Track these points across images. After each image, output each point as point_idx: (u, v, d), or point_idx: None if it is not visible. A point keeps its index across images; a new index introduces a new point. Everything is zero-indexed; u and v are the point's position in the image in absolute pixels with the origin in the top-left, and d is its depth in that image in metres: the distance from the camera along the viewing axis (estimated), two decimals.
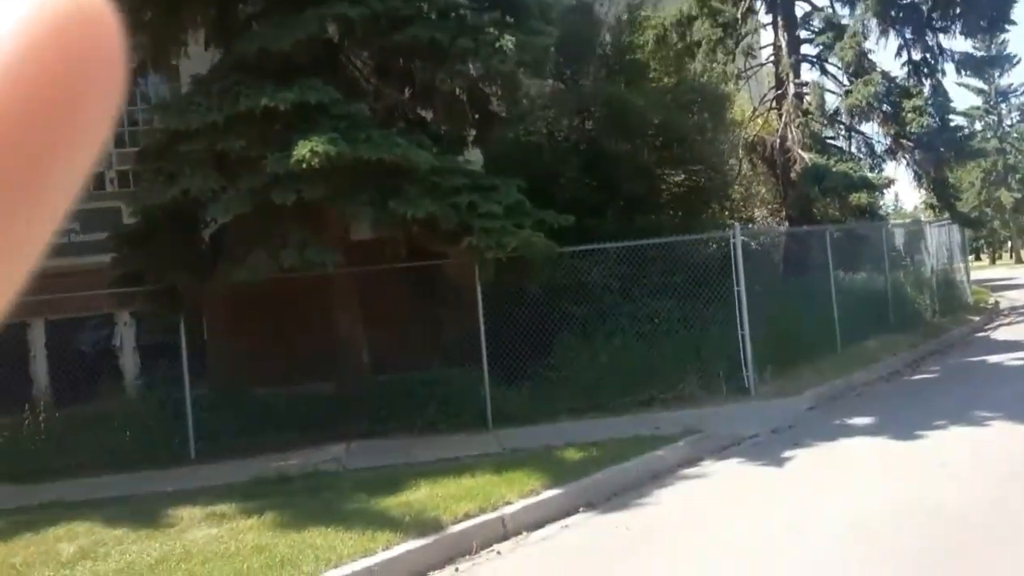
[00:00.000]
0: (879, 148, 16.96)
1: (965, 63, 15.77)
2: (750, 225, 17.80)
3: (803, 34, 17.35)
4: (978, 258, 63.03)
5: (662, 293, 11.10)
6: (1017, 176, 55.89)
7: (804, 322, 11.73)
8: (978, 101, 58.43)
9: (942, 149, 15.82)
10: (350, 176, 8.22)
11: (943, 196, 16.79)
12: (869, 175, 14.49)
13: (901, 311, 14.74)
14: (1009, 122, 58.33)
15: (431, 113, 9.94)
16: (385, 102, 9.18)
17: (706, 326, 10.57)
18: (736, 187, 17.83)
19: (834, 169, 14.40)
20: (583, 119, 11.66)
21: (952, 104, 15.66)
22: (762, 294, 11.18)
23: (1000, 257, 60.42)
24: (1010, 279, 31.85)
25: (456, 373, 10.04)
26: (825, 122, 15.73)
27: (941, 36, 15.70)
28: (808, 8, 17.16)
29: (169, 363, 10.17)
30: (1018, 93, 57.65)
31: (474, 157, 11.87)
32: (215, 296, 9.55)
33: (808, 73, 17.63)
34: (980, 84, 58.23)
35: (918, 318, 15.38)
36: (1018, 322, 16.73)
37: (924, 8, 15.15)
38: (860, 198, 14.42)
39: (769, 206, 17.35)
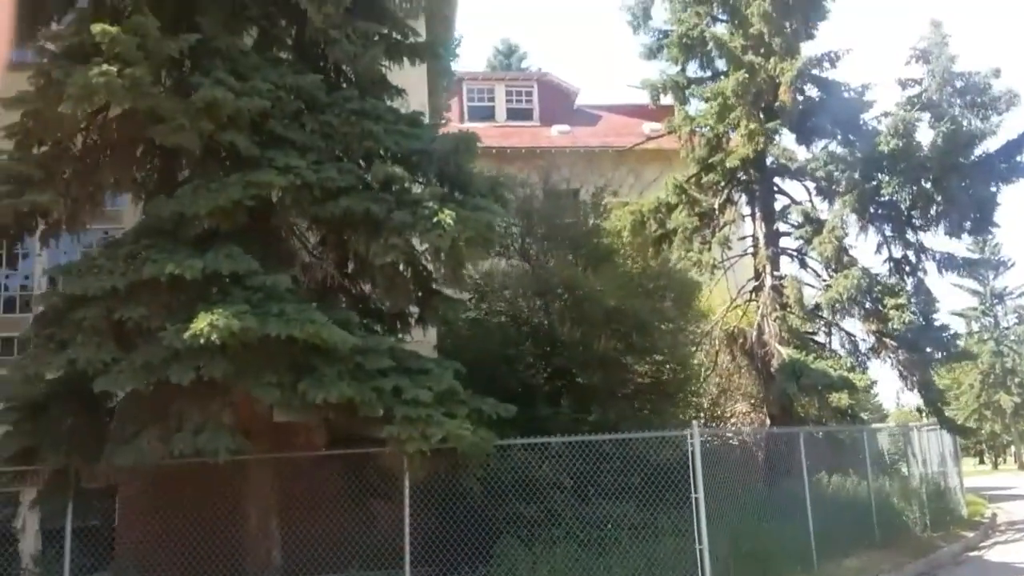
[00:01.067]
0: (863, 346, 16.31)
1: (947, 263, 15.37)
2: (730, 422, 16.93)
3: (783, 227, 17.15)
4: (981, 462, 61.12)
5: (620, 495, 10.10)
6: (1016, 379, 55.15)
7: (776, 534, 10.59)
8: (974, 302, 58.80)
9: (928, 349, 15.16)
10: (258, 354, 7.48)
11: (930, 399, 15.95)
12: (849, 375, 13.71)
13: (886, 523, 13.55)
14: (1006, 324, 58.30)
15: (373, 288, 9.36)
16: (315, 275, 8.56)
17: (661, 536, 9.48)
18: (713, 380, 17.09)
19: (812, 366, 13.67)
20: (545, 302, 11.07)
21: (936, 303, 15.15)
22: (728, 501, 10.13)
23: (1004, 461, 58.62)
24: (1010, 488, 30.45)
25: None
26: (804, 316, 15.13)
27: (922, 234, 15.39)
28: (788, 202, 17.04)
29: (77, 550, 9.12)
30: (1014, 295, 58.01)
31: (429, 338, 11.25)
32: (104, 480, 8.55)
33: (788, 266, 17.28)
34: (976, 286, 58.90)
35: (905, 532, 14.16)
36: (1015, 540, 15.44)
37: (903, 207, 14.90)
38: (841, 398, 13.58)
39: (752, 401, 16.47)
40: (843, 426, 14.04)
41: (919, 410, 17.24)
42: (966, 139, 14.24)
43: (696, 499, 9.15)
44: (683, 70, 17.69)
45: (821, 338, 16.97)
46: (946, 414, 16.74)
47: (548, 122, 26.38)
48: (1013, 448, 57.25)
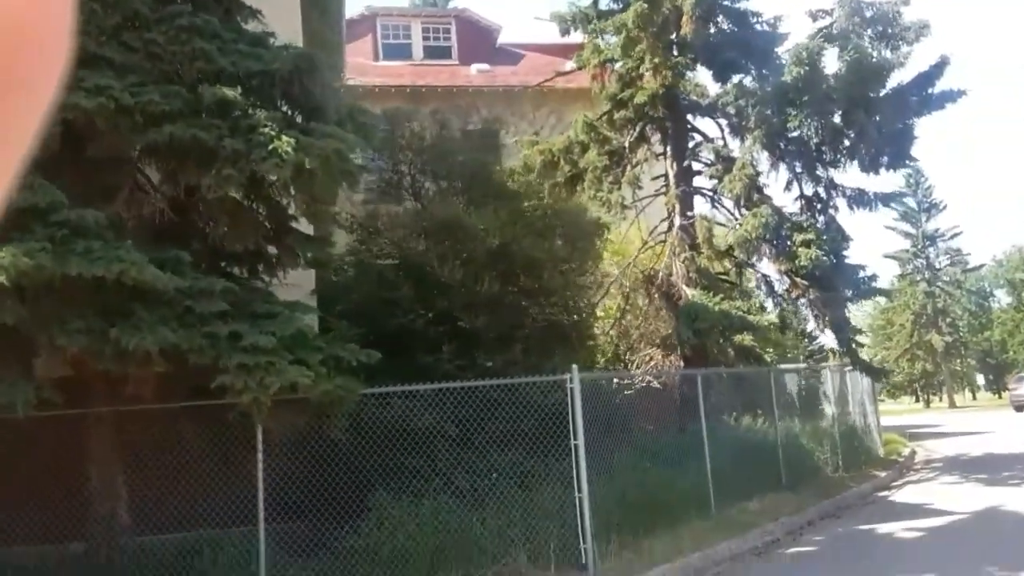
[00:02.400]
0: (779, 287, 15.91)
1: (858, 200, 14.93)
2: (648, 366, 16.48)
3: (697, 167, 16.59)
4: (916, 400, 62.35)
5: (507, 443, 9.53)
6: (947, 320, 56.21)
7: (671, 480, 10.14)
8: (907, 244, 59.60)
9: (839, 288, 14.78)
10: (64, 298, 6.65)
11: (843, 339, 15.64)
12: (749, 316, 13.25)
13: (795, 465, 13.25)
14: (938, 265, 59.22)
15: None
16: (142, 210, 7.69)
17: (543, 485, 8.93)
18: (631, 323, 16.61)
19: (713, 308, 13.18)
20: (428, 243, 10.33)
21: (848, 241, 14.68)
22: (621, 448, 9.63)
23: (938, 400, 59.87)
24: (935, 426, 30.82)
25: (231, 536, 8.22)
26: (714, 256, 14.63)
27: (833, 171, 14.91)
28: (701, 140, 16.45)
29: None
30: (946, 237, 58.91)
31: (307, 282, 10.49)
32: None
33: (703, 207, 16.75)
34: (909, 228, 59.64)
35: (815, 473, 13.91)
36: (927, 479, 15.35)
37: (812, 142, 14.36)
38: (743, 339, 13.14)
39: (667, 344, 15.99)
40: (749, 368, 13.65)
41: (831, 351, 16.96)
42: (874, 70, 13.68)
43: (575, 446, 8.60)
44: (594, 2, 16.87)
45: (734, 279, 16.62)
46: (860, 354, 16.46)
47: (468, 61, 25.38)
48: (944, 387, 58.45)
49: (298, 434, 8.70)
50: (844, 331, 15.56)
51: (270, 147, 7.18)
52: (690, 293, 14.08)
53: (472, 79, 24.23)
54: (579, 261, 10.87)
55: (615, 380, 10.52)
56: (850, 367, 16.37)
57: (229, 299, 7.48)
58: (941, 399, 60.00)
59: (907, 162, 15.62)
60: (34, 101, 0.52)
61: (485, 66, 24.87)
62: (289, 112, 8.07)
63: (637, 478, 9.61)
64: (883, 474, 15.24)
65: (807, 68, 13.36)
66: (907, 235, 58.80)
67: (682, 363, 15.55)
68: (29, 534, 8.32)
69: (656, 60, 14.95)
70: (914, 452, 19.71)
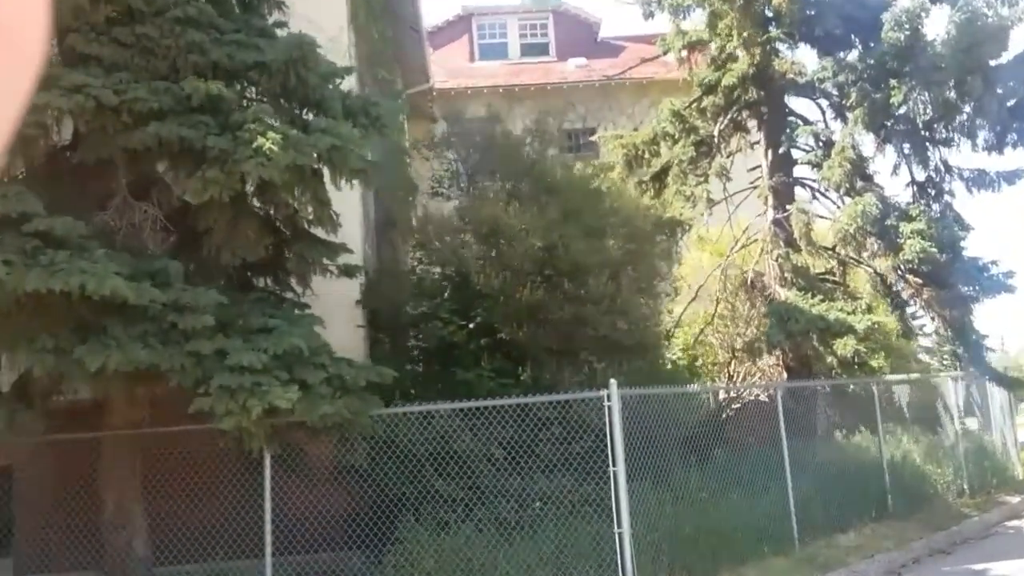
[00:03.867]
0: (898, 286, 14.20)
1: (978, 181, 13.08)
2: (756, 378, 15.11)
3: (798, 154, 15.08)
4: None
5: (560, 467, 8.60)
6: None
7: (740, 510, 8.93)
8: None
9: (960, 286, 13.01)
10: (38, 314, 6.21)
11: (967, 344, 13.80)
12: (850, 317, 11.73)
13: (906, 491, 11.67)
14: None
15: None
16: (132, 218, 7.19)
17: (580, 517, 7.95)
18: (735, 331, 15.25)
19: (806, 309, 11.76)
20: (463, 246, 9.51)
21: (967, 230, 12.88)
22: (671, 472, 8.51)
23: None
24: None
25: (235, 570, 7.65)
26: (812, 253, 13.16)
27: (946, 151, 13.14)
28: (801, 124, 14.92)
29: None
30: None
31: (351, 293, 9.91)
32: None
33: (807, 199, 15.21)
34: None
35: (931, 499, 12.24)
36: None
37: (921, 120, 12.65)
38: (845, 345, 11.67)
39: (756, 349, 14.57)
40: (847, 379, 12.15)
41: (954, 356, 15.07)
42: (990, 31, 11.85)
43: (614, 473, 7.56)
44: None
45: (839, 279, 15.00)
46: (990, 361, 14.55)
47: (566, 57, 24.46)
48: None
49: (318, 460, 8.05)
50: (967, 335, 13.73)
51: (254, 145, 6.52)
52: (783, 295, 12.69)
53: (568, 75, 23.31)
54: (641, 263, 9.75)
55: (685, 395, 9.31)
56: (978, 377, 14.49)
57: (223, 313, 6.89)
58: None
59: None
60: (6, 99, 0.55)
61: (582, 60, 23.88)
62: (290, 106, 7.42)
63: (697, 508, 8.45)
64: (1017, 499, 13.33)
65: (907, 33, 11.74)
66: None
67: (785, 374, 14.17)
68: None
69: (745, 35, 13.62)
70: None
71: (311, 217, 7.82)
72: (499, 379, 9.00)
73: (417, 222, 10.52)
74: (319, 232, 8.20)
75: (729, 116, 15.03)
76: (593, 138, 16.44)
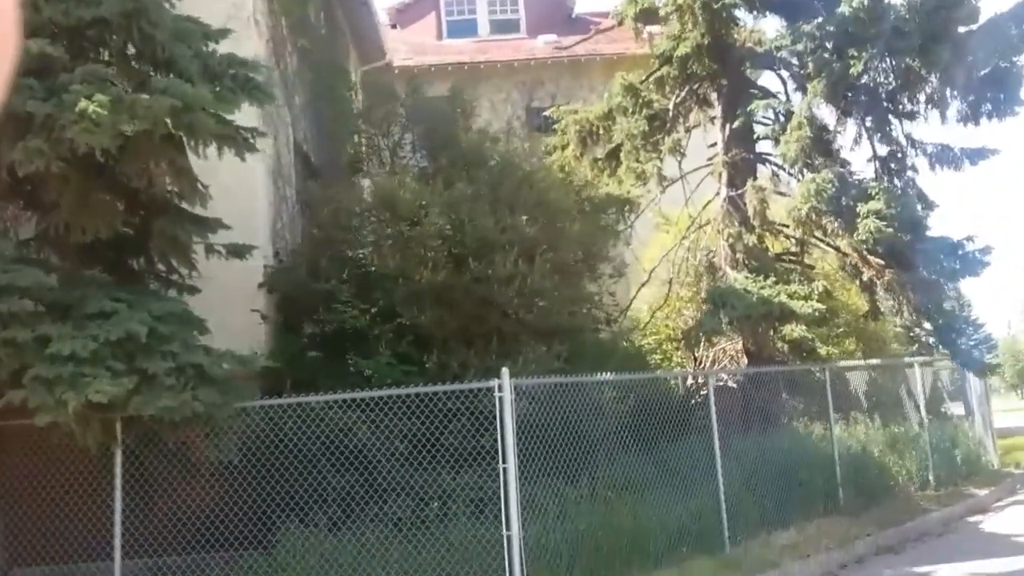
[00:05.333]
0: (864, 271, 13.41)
1: (942, 157, 12.26)
2: (720, 364, 14.38)
3: (763, 130, 14.30)
4: None
5: (467, 462, 7.92)
6: None
7: (658, 510, 8.22)
8: None
9: (923, 267, 12.23)
10: None
11: (937, 328, 13.05)
12: (793, 303, 10.96)
13: (860, 483, 10.96)
14: None
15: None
16: None
17: (471, 517, 7.27)
18: (677, 317, 14.54)
19: (757, 293, 11.02)
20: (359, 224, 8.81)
21: (927, 208, 12.10)
22: (581, 470, 7.81)
23: None
24: None
25: (81, 573, 7.00)
26: (764, 233, 12.42)
27: (911, 124, 12.32)
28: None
29: None
30: None
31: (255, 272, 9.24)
32: None
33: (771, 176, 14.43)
34: None
35: (890, 491, 11.51)
36: None
37: (883, 90, 11.83)
38: (792, 331, 10.93)
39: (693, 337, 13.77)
40: (786, 367, 11.42)
41: (917, 340, 14.30)
42: None
43: (504, 470, 6.87)
44: None
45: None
46: (962, 346, 13.76)
47: (537, 34, 23.63)
48: None
49: (182, 456, 7.37)
50: (936, 317, 12.97)
51: (77, 109, 5.82)
52: (733, 277, 11.94)
53: (536, 51, 22.52)
54: (562, 242, 9.00)
55: (600, 384, 8.55)
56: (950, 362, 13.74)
57: (58, 296, 6.22)
58: None
59: (1016, 107, 12.70)
60: None
61: (552, 37, 23.05)
62: (140, 68, 6.71)
63: (608, 507, 7.75)
64: (985, 492, 12.58)
65: None
66: None
67: (745, 360, 13.45)
68: None
69: (698, 1, 12.83)
70: None
71: (173, 189, 7.12)
72: (401, 367, 8.30)
73: (322, 201, 9.82)
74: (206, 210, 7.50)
75: (686, 89, 14.25)
76: (546, 113, 15.66)
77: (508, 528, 6.75)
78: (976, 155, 12.17)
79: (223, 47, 7.98)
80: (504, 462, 6.84)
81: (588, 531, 7.35)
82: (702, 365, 14.42)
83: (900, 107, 12.21)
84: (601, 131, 14.60)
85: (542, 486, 7.36)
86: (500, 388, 6.94)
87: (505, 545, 6.75)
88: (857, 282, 13.27)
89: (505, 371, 6.98)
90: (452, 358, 8.50)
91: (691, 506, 8.54)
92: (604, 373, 8.27)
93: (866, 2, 10.98)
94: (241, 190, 9.25)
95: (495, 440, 7.70)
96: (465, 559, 6.78)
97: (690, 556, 8.11)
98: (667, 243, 15.15)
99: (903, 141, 12.33)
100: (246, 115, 7.79)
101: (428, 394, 7.56)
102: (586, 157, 14.72)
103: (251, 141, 7.16)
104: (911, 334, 15.96)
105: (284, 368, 9.02)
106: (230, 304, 8.95)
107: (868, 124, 12.41)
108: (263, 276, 9.33)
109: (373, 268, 8.34)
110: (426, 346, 8.56)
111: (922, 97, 12.08)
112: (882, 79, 11.79)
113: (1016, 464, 15.35)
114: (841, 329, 15.41)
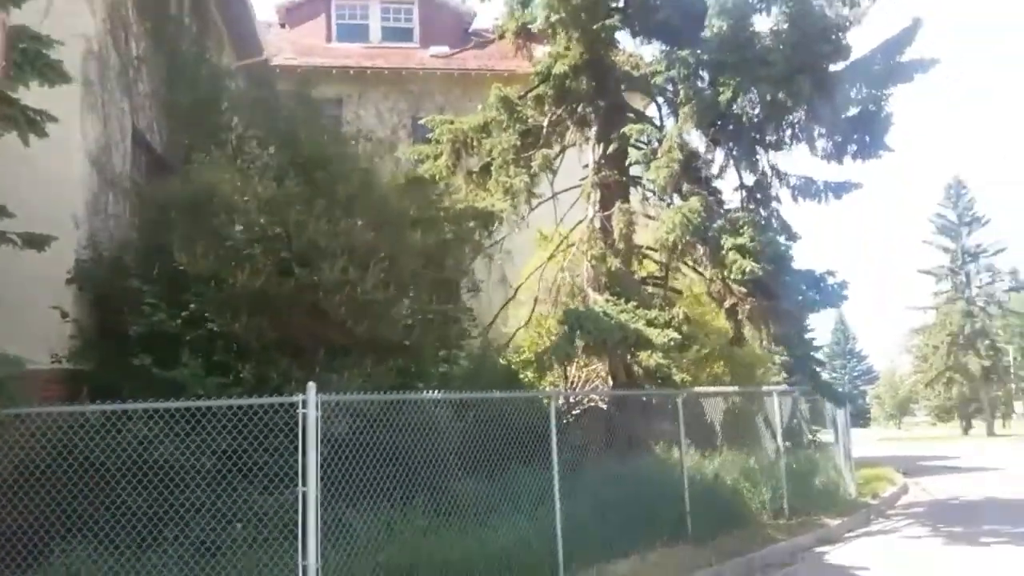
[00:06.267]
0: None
1: (804, 190, 12.33)
2: (589, 385, 14.10)
3: (637, 155, 14.16)
4: (970, 427, 56.28)
5: (283, 483, 7.31)
6: (986, 342, 52.32)
7: (483, 539, 7.77)
8: (945, 260, 55.94)
9: (783, 299, 12.21)
10: None
11: (795, 357, 13.08)
12: (649, 330, 10.75)
13: (709, 511, 10.73)
14: (978, 283, 55.48)
15: None
16: None
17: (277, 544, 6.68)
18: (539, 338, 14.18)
19: (615, 318, 10.76)
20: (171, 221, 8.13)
21: (789, 243, 12.10)
22: (406, 497, 7.31)
23: (973, 428, 55.44)
24: (950, 458, 27.79)
25: None
26: (628, 256, 12.24)
27: (776, 155, 12.34)
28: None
29: None
30: (988, 253, 54.98)
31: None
32: None
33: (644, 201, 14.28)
34: (947, 243, 55.90)
35: (741, 520, 11.37)
36: (890, 530, 12.69)
37: (749, 120, 11.77)
38: (648, 357, 10.71)
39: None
40: (634, 391, 11.21)
41: (785, 369, 14.38)
42: (823, 27, 11.11)
43: (303, 493, 6.30)
44: None
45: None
46: (821, 375, 13.88)
47: (430, 44, 23.24)
48: (983, 414, 54.25)
49: None
50: (798, 348, 13.01)
51: None
52: (594, 299, 11.69)
53: (426, 62, 22.14)
54: (403, 252, 8.49)
55: (422, 403, 8.04)
56: (807, 392, 13.80)
57: None
58: (973, 427, 55.42)
59: (880, 151, 12.88)
60: None
61: (444, 48, 22.71)
62: None
63: (426, 536, 7.27)
64: (837, 522, 12.61)
65: (731, 23, 10.89)
66: (945, 250, 55.21)
67: (611, 382, 13.21)
68: None
69: (576, 21, 12.63)
70: (900, 492, 16.98)
71: None
72: (213, 377, 7.65)
73: (147, 193, 9.10)
74: None
75: (564, 107, 14.04)
76: (422, 122, 15.23)
77: (305, 557, 6.19)
78: (840, 189, 12.28)
79: (47, 23, 7.35)
80: (304, 484, 6.29)
81: (397, 560, 6.84)
82: (574, 385, 14.18)
83: (766, 138, 12.23)
84: (475, 143, 14.25)
85: (360, 511, 6.84)
86: (304, 404, 6.38)
87: (301, 574, 6.18)
88: (722, 308, 13.23)
89: (311, 386, 6.44)
90: (272, 369, 7.90)
91: (524, 533, 8.13)
92: (435, 391, 7.79)
93: (725, 27, 10.93)
94: (54, 178, 8.50)
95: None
96: None
97: None
98: (543, 261, 14.89)
99: (768, 171, 12.34)
100: (58, 96, 7.13)
101: (243, 408, 6.97)
102: (459, 169, 14.36)
103: (39, 124, 6.46)
104: (777, 361, 16.09)
105: (93, 373, 8.30)
106: (32, 300, 8.19)
107: (735, 153, 12.39)
108: (73, 271, 8.57)
109: (181, 267, 7.66)
110: (244, 356, 7.93)
111: (788, 130, 12.13)
112: (749, 110, 11.74)
113: (873, 494, 15.56)
114: (707, 351, 15.37)
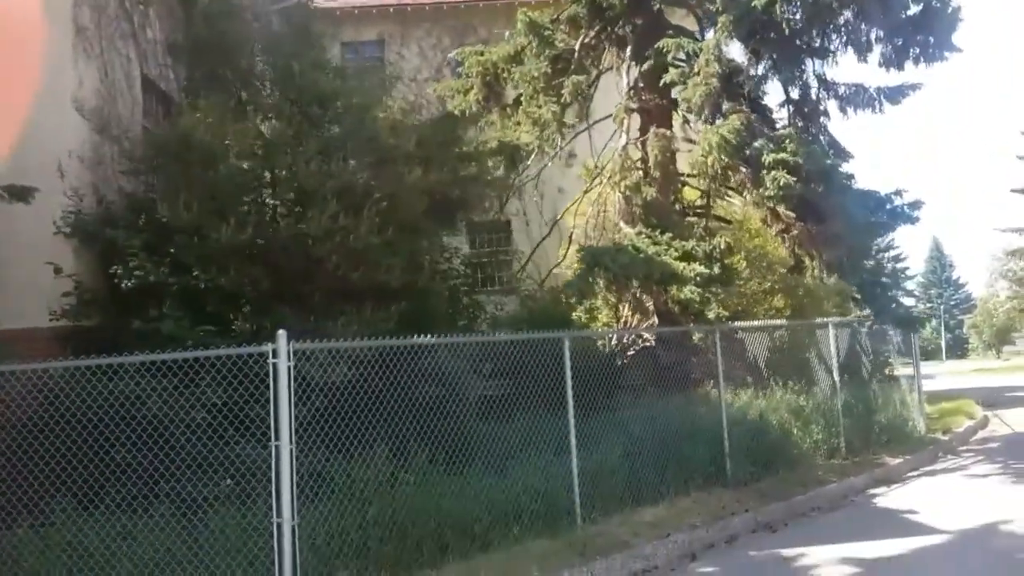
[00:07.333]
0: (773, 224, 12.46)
1: (853, 99, 11.26)
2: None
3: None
4: None
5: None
6: None
7: (490, 488, 7.38)
8: None
9: (836, 220, 11.31)
10: None
11: (860, 286, 12.18)
12: (677, 264, 10.03)
13: (753, 452, 10.14)
14: None
15: None
16: None
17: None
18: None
19: (643, 252, 10.09)
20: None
21: (840, 158, 11.12)
22: (409, 445, 6.94)
23: None
24: None
25: None
26: (664, 184, 11.46)
27: (820, 64, 11.29)
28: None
29: None
30: None
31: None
32: None
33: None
34: None
35: (791, 461, 10.72)
36: (954, 468, 11.84)
37: (786, 26, 10.74)
38: (680, 292, 10.03)
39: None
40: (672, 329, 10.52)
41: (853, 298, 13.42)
42: None
43: (277, 448, 5.98)
44: None
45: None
46: (892, 302, 12.93)
47: None
48: None
49: None
50: (851, 275, 12.12)
51: None
52: (624, 233, 11.02)
53: None
54: (403, 193, 7.97)
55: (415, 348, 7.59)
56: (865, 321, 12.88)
57: None
58: None
59: (946, 53, 11.69)
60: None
61: None
62: None
63: (422, 490, 6.89)
64: (898, 460, 11.80)
65: None
66: None
67: (656, 320, 12.58)
68: None
69: None
70: (977, 427, 15.93)
71: None
72: (200, 328, 7.37)
73: (145, 140, 8.80)
74: None
75: (597, 28, 13.21)
76: (451, 55, 14.61)
77: (279, 515, 5.88)
78: (895, 94, 11.22)
79: None
80: (277, 439, 5.96)
81: (389, 515, 6.49)
82: (627, 324, 13.60)
83: (812, 43, 11.18)
84: (507, 75, 13.58)
85: (357, 464, 6.52)
86: (276, 354, 6.01)
87: (275, 533, 5.89)
88: (773, 233, 12.40)
89: (281, 334, 6.05)
90: (266, 319, 7.57)
91: (538, 483, 7.70)
92: (432, 336, 7.32)
93: None
94: (44, 128, 8.27)
95: (309, 409, 6.89)
96: (227, 550, 5.91)
97: (527, 538, 7.29)
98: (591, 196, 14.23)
99: (814, 83, 11.34)
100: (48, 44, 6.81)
101: (233, 359, 6.68)
102: (494, 103, 13.74)
103: None
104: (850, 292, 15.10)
105: (93, 328, 8.16)
106: (30, 253, 8.05)
107: (778, 64, 11.40)
108: (64, 224, 8.37)
109: (164, 219, 7.36)
110: (238, 306, 7.62)
111: (834, 36, 11.07)
112: (790, 15, 10.73)
113: (945, 430, 14.60)
114: (768, 285, 14.55)
